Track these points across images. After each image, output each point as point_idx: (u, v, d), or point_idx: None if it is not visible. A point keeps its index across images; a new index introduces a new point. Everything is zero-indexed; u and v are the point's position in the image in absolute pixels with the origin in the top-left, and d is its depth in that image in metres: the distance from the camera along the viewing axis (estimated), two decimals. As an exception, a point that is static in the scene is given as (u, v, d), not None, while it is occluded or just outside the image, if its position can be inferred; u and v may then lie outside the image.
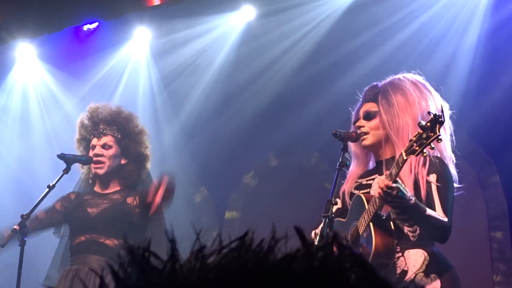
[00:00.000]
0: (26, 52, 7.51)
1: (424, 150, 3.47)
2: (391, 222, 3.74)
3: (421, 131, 3.46)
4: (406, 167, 3.68)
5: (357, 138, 3.95)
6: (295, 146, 7.15)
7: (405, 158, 3.49)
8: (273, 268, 0.85)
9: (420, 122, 3.49)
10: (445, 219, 3.65)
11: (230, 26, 7.14)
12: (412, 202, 3.54)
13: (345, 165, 3.84)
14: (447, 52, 6.29)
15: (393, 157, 3.87)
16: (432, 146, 3.48)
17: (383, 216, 3.71)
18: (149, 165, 4.85)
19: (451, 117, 3.95)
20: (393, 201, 3.52)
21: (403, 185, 3.52)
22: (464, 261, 5.85)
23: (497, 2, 6.15)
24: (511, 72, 5.98)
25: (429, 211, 3.61)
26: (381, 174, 3.91)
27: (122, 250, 0.89)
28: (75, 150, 4.85)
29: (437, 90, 3.99)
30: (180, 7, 6.93)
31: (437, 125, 3.43)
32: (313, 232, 4.06)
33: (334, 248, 0.87)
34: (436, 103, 3.87)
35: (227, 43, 7.20)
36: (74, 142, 4.88)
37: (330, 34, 6.74)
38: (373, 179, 3.96)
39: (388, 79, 4.04)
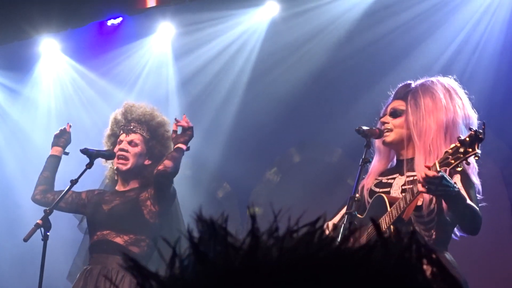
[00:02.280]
0: (50, 47, 7.56)
1: (459, 165, 3.44)
2: (412, 227, 3.72)
3: (459, 145, 3.43)
4: (423, 171, 3.66)
5: (380, 135, 3.94)
6: (318, 142, 7.13)
7: (438, 169, 3.46)
8: (352, 257, 0.85)
9: (459, 137, 3.46)
10: (476, 207, 3.64)
11: (254, 22, 7.13)
12: (456, 190, 3.51)
13: (368, 161, 3.82)
14: (473, 47, 6.24)
15: (413, 158, 3.86)
16: (468, 161, 3.46)
17: (405, 220, 3.69)
18: None
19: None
20: (438, 189, 3.47)
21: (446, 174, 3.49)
22: (488, 259, 5.81)
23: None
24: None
25: (469, 201, 3.59)
26: (401, 174, 3.90)
27: (200, 220, 0.88)
28: (103, 144, 4.87)
29: (469, 98, 3.94)
30: (203, 3, 6.93)
31: (477, 142, 3.41)
32: (327, 223, 4.04)
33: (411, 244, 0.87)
34: (465, 111, 3.84)
35: (251, 38, 7.20)
36: (104, 136, 4.90)
37: (355, 29, 6.70)
38: (394, 178, 3.94)
39: (421, 80, 4.02)
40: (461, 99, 3.89)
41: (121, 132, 4.75)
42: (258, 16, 7.07)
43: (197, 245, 0.87)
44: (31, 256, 5.73)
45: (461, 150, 3.42)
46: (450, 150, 3.46)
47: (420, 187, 3.50)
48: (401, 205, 3.63)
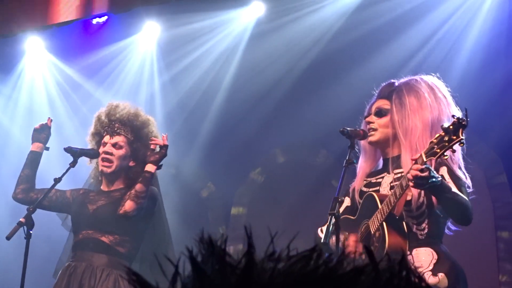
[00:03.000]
0: (35, 45, 7.53)
1: (445, 153, 3.46)
2: (404, 223, 3.73)
3: (443, 134, 3.45)
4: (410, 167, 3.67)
5: (364, 136, 3.95)
6: (302, 143, 7.14)
7: (425, 160, 3.47)
8: (342, 278, 0.89)
9: (442, 125, 3.48)
10: (466, 198, 3.65)
11: (240, 22, 7.13)
12: (439, 180, 3.52)
13: (352, 163, 3.83)
14: (457, 51, 6.27)
15: (399, 156, 3.87)
16: (454, 149, 3.47)
17: (397, 216, 3.70)
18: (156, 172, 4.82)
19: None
20: (427, 183, 3.49)
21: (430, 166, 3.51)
22: (470, 261, 5.83)
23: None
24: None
25: (454, 189, 3.60)
26: (389, 172, 3.91)
27: (201, 241, 0.94)
28: (87, 142, 4.86)
29: (453, 96, 3.96)
30: (189, 2, 6.93)
31: (460, 129, 3.41)
32: (319, 229, 4.05)
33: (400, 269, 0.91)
34: (449, 109, 3.86)
35: (236, 38, 7.19)
36: (88, 134, 4.88)
37: (340, 30, 6.72)
38: (382, 177, 3.96)
39: (405, 79, 4.03)
40: (445, 97, 3.91)
41: (105, 133, 4.74)
42: (243, 16, 7.07)
43: (196, 262, 0.92)
44: (14, 254, 5.70)
45: (446, 138, 3.43)
46: (434, 140, 3.48)
47: (409, 177, 3.51)
48: (392, 201, 3.65)
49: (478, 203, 5.66)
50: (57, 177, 4.56)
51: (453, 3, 6.34)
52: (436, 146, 3.46)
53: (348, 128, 3.91)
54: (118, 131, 4.71)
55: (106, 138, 4.71)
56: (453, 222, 3.78)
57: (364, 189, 3.98)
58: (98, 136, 4.79)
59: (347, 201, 4.08)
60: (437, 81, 3.99)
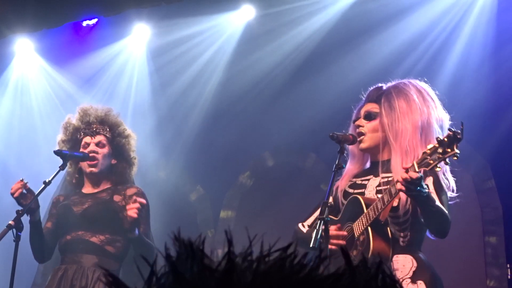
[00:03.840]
0: (24, 47, 7.52)
1: (438, 165, 3.47)
2: (388, 228, 3.74)
3: (437, 145, 3.46)
4: (400, 170, 3.68)
5: (353, 141, 3.96)
6: (291, 147, 7.15)
7: (417, 170, 3.48)
8: (321, 283, 0.89)
9: (438, 137, 3.50)
10: (447, 212, 3.67)
11: (229, 25, 7.14)
12: (426, 192, 3.55)
13: (341, 167, 3.83)
14: (446, 55, 6.31)
15: (389, 159, 3.89)
16: (447, 161, 3.49)
17: (382, 221, 3.71)
18: (135, 169, 4.87)
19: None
20: (415, 190, 3.50)
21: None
22: (458, 266, 5.86)
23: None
24: (507, 76, 6.00)
25: (438, 203, 3.62)
26: (376, 175, 3.93)
27: (176, 242, 0.92)
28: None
29: (440, 100, 3.98)
30: (179, 5, 6.93)
31: (455, 142, 3.43)
32: (300, 224, 4.08)
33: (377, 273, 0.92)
34: (438, 112, 3.88)
35: (226, 42, 7.21)
36: (57, 143, 4.84)
37: (330, 34, 6.74)
38: (368, 179, 3.97)
39: (393, 82, 4.05)
40: (433, 100, 3.93)
41: (83, 135, 4.75)
42: (234, 20, 7.08)
43: (175, 265, 0.90)
44: (2, 257, 5.69)
45: (440, 150, 3.44)
46: (428, 151, 3.49)
47: (399, 185, 3.52)
48: (379, 206, 3.66)
49: (466, 208, 5.72)
50: (46, 180, 4.55)
51: (444, 5, 6.37)
52: (429, 157, 3.47)
53: (338, 133, 3.92)
54: (98, 130, 4.76)
55: (87, 139, 4.74)
56: (429, 232, 3.79)
57: (349, 190, 3.98)
58: (70, 142, 4.79)
59: (329, 200, 4.11)
60: (425, 84, 4.02)
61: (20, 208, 4.41)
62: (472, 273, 5.94)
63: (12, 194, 4.44)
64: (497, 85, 6.02)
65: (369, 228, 3.70)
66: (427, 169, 3.48)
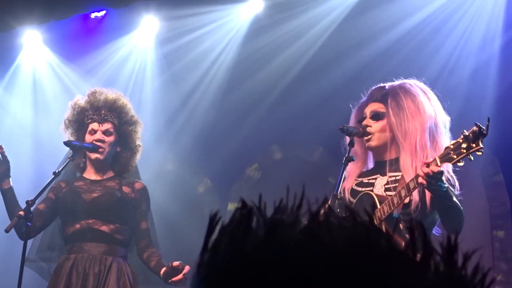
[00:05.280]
0: (33, 38, 7.52)
1: (461, 160, 3.48)
2: (400, 224, 3.75)
3: (461, 141, 3.47)
4: (410, 169, 3.71)
5: (364, 133, 3.96)
6: (299, 140, 7.15)
7: (439, 164, 3.49)
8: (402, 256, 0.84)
9: (463, 132, 3.50)
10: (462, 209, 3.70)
11: (238, 18, 7.14)
12: (446, 187, 3.58)
13: (352, 160, 3.84)
14: (448, 52, 6.30)
15: (397, 158, 3.90)
16: (471, 157, 3.49)
17: (395, 216, 3.72)
18: (139, 156, 4.88)
19: (453, 120, 3.97)
20: (436, 185, 3.53)
21: None
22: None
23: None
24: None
25: (455, 198, 3.64)
26: (383, 174, 3.93)
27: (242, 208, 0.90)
28: (62, 131, 4.82)
29: (441, 101, 4.00)
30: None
31: (480, 137, 3.44)
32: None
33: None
34: (441, 113, 3.92)
35: (234, 34, 7.20)
36: (62, 122, 4.81)
37: (338, 27, 6.73)
38: (375, 178, 3.97)
39: (397, 83, 4.05)
40: (436, 102, 3.95)
41: (90, 121, 4.73)
42: (242, 12, 7.08)
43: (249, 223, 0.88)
44: (12, 247, 5.70)
45: (464, 145, 3.45)
46: (451, 146, 3.50)
47: (420, 179, 3.53)
48: (395, 201, 3.67)
49: (474, 202, 5.72)
50: (55, 171, 4.56)
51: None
52: (452, 152, 3.48)
53: (348, 126, 3.93)
54: (106, 117, 4.73)
55: (95, 126, 4.71)
56: (444, 228, 3.80)
57: (357, 188, 3.99)
58: (76, 124, 4.76)
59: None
60: (426, 86, 4.03)
61: (30, 198, 4.42)
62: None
63: None
64: (506, 78, 6.01)
65: (383, 224, 3.71)
66: (450, 163, 3.50)
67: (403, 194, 3.66)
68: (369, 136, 3.97)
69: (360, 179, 4.01)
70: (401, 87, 3.99)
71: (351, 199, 3.96)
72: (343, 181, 4.03)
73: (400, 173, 3.86)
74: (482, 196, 6.04)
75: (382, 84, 4.10)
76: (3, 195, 4.60)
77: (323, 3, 6.75)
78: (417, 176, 3.56)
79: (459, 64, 6.20)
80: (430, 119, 3.86)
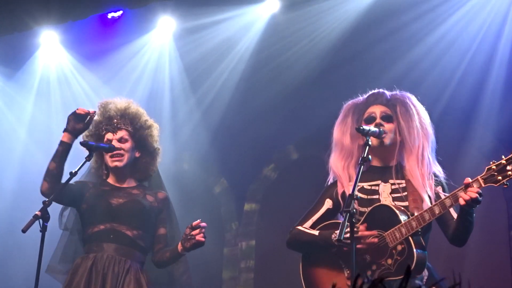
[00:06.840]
0: (50, 38, 7.56)
1: (506, 182, 3.50)
2: (421, 238, 3.76)
3: (505, 162, 3.50)
4: (418, 181, 3.73)
5: (380, 134, 3.95)
6: (316, 139, 7.14)
7: (483, 185, 3.52)
8: None
9: (505, 156, 3.52)
10: None
11: (254, 18, 7.14)
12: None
13: (367, 160, 3.81)
14: (466, 51, 6.28)
15: (401, 165, 3.96)
16: None
17: (420, 232, 3.73)
18: (160, 159, 4.90)
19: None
20: (475, 207, 3.61)
21: None
22: (483, 260, 5.84)
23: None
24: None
25: (474, 215, 3.70)
26: (385, 180, 3.94)
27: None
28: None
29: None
30: (204, -2, 6.95)
31: None
32: (301, 226, 4.10)
33: None
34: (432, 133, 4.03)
35: (251, 34, 7.20)
36: (82, 137, 4.80)
37: (355, 28, 6.71)
38: (377, 185, 3.96)
39: (399, 92, 4.11)
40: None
41: (105, 131, 4.76)
42: (258, 12, 7.08)
43: None
44: (29, 247, 5.73)
45: (509, 167, 3.48)
46: (494, 167, 3.53)
47: (462, 201, 3.54)
48: (426, 218, 3.69)
49: (491, 202, 5.69)
50: (72, 171, 4.57)
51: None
52: (497, 173, 3.50)
53: (365, 126, 3.92)
54: (119, 126, 4.76)
55: (109, 136, 4.74)
56: (452, 240, 3.83)
57: (362, 195, 3.96)
58: (94, 138, 4.79)
59: (328, 203, 4.12)
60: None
61: (46, 199, 4.43)
62: (497, 267, 5.92)
63: (76, 110, 4.55)
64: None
65: (411, 239, 3.70)
66: (495, 185, 3.51)
67: (437, 212, 3.67)
68: (384, 135, 3.98)
69: (360, 184, 3.98)
70: (409, 97, 4.07)
71: (360, 209, 3.92)
72: (339, 186, 4.05)
73: (403, 181, 3.89)
74: (499, 196, 6.01)
75: (381, 90, 4.17)
76: (63, 146, 4.60)
77: (342, 1, 6.74)
78: (455, 196, 3.58)
79: (477, 63, 6.18)
80: (432, 136, 3.98)
